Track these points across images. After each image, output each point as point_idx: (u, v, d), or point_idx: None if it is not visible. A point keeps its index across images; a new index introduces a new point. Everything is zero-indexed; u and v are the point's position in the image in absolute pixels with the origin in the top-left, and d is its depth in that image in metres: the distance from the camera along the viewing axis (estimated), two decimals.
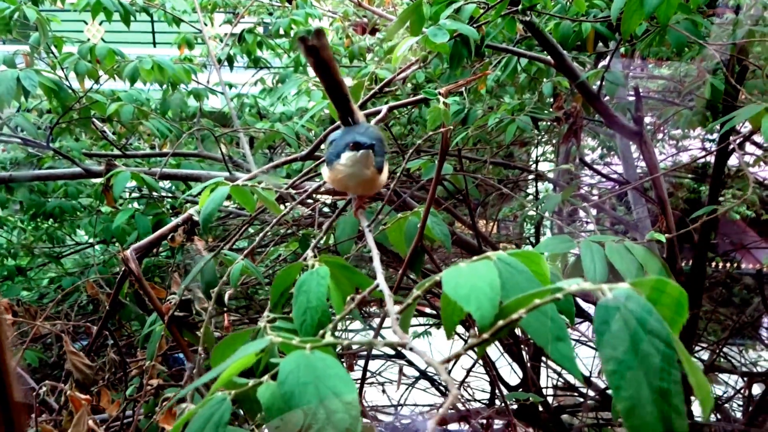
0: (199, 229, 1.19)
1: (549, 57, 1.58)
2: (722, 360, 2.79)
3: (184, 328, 0.98)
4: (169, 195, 2.45)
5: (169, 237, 1.06)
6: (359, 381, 1.12)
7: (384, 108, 1.11)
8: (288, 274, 0.69)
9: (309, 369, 0.41)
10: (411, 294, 0.50)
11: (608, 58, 1.73)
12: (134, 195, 2.56)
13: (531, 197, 3.64)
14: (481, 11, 1.29)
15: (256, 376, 0.49)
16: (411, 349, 0.43)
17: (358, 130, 0.91)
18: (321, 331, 0.49)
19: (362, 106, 1.30)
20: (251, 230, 2.17)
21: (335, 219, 0.99)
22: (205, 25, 2.74)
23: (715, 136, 3.16)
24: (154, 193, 1.86)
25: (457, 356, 0.44)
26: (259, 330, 0.64)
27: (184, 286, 0.98)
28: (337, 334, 0.85)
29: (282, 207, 1.18)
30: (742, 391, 2.46)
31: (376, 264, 0.61)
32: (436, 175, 0.75)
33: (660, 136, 3.24)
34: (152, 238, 0.99)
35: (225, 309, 1.17)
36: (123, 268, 0.98)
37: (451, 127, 0.78)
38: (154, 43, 6.47)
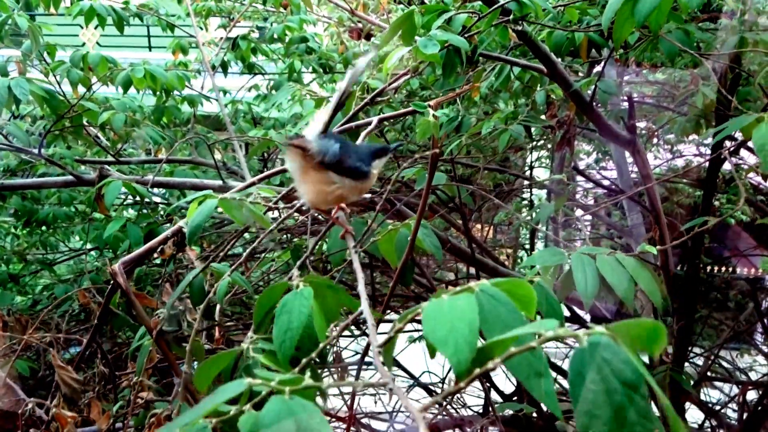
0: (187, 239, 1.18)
1: (541, 65, 1.58)
2: (717, 365, 2.78)
3: (173, 342, 0.97)
4: (163, 202, 2.44)
5: (159, 249, 1.06)
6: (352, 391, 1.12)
7: (374, 119, 1.11)
8: (272, 294, 0.68)
9: (290, 419, 0.40)
10: (394, 326, 0.49)
11: (601, 66, 1.73)
12: (128, 202, 2.56)
13: (526, 202, 3.64)
14: (473, 21, 1.29)
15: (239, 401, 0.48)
16: (391, 390, 0.43)
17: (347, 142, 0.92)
18: (302, 362, 0.49)
19: (353, 117, 1.30)
20: (247, 236, 2.17)
21: (322, 236, 0.99)
22: (201, 29, 2.73)
23: (709, 140, 3.16)
24: (147, 201, 1.85)
25: (434, 403, 0.44)
26: (242, 352, 0.64)
27: (172, 300, 0.97)
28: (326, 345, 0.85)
29: (276, 213, 1.18)
30: (736, 398, 2.46)
31: (361, 288, 0.60)
32: (425, 193, 0.75)
33: (655, 141, 3.24)
34: (141, 251, 0.98)
35: (216, 323, 1.16)
36: (112, 282, 0.97)
37: (437, 151, 0.78)
38: (150, 47, 6.47)
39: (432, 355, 0.53)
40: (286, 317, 0.59)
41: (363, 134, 1.04)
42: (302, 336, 0.58)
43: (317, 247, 1.86)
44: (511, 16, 1.27)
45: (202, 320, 0.91)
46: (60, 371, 1.11)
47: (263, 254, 1.79)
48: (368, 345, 1.18)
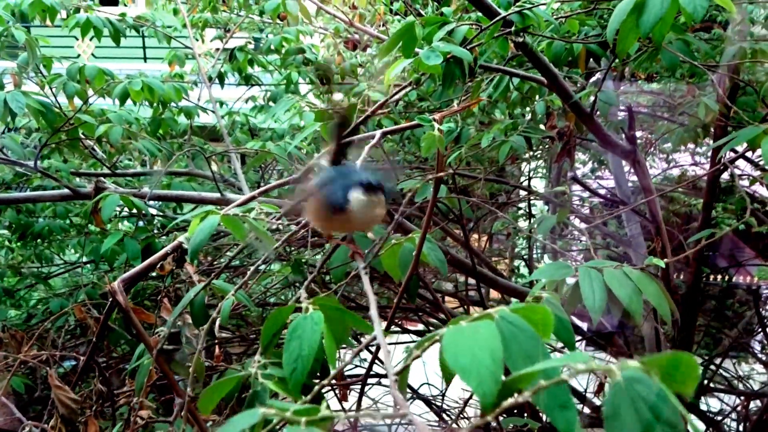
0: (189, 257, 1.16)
1: (541, 76, 1.57)
2: (716, 374, 2.78)
3: (173, 360, 0.95)
4: (159, 214, 2.42)
5: (159, 265, 1.04)
6: (355, 409, 1.10)
7: (378, 133, 1.09)
8: (279, 317, 0.67)
9: None
10: (410, 354, 0.48)
11: (601, 77, 1.73)
12: (123, 214, 2.53)
13: (521, 212, 3.64)
14: (475, 33, 1.28)
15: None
16: (410, 422, 0.41)
17: (352, 168, 0.88)
18: (315, 389, 0.47)
19: (355, 129, 1.28)
20: (244, 251, 2.15)
21: (328, 258, 0.97)
22: (196, 40, 2.72)
23: (705, 149, 3.17)
24: (144, 214, 1.83)
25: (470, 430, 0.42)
26: (248, 377, 0.62)
27: (173, 319, 0.95)
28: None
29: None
30: (740, 408, 2.45)
31: (373, 313, 0.59)
32: (429, 210, 0.73)
33: (650, 149, 3.25)
34: (141, 268, 0.97)
35: (216, 341, 1.14)
36: (111, 299, 0.96)
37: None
38: (145, 58, 6.46)
39: (448, 382, 0.52)
40: (296, 343, 0.57)
41: (366, 148, 1.02)
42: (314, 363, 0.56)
43: (313, 258, 1.84)
44: (513, 28, 1.26)
45: (205, 339, 0.89)
46: (57, 391, 1.09)
47: (263, 266, 1.77)
48: (372, 363, 1.16)
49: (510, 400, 0.38)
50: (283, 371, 0.58)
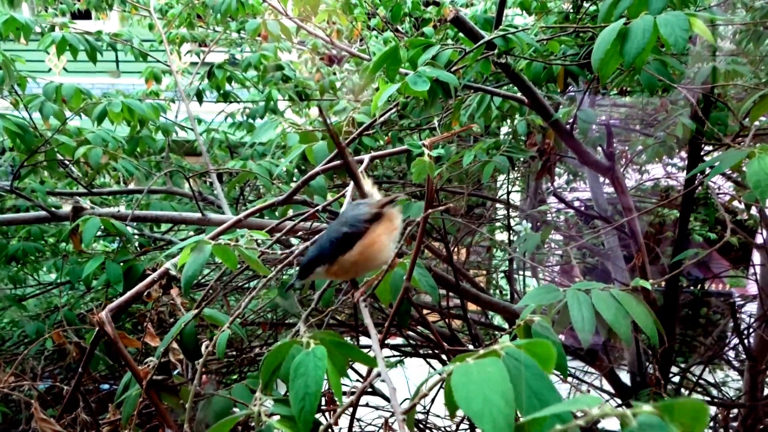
0: (177, 283, 1.15)
1: (521, 95, 1.59)
2: (691, 381, 2.81)
3: (162, 391, 0.94)
4: (136, 233, 2.38)
5: (145, 293, 1.02)
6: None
7: (366, 157, 1.10)
8: (279, 353, 0.66)
9: None
10: (417, 392, 0.48)
11: (578, 94, 1.76)
12: (99, 234, 2.48)
13: (499, 224, 3.66)
14: (458, 56, 1.29)
15: None
16: None
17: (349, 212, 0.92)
18: (321, 429, 0.47)
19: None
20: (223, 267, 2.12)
21: (323, 293, 0.97)
22: (171, 53, 2.71)
23: (677, 160, 3.24)
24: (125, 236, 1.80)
25: None
26: (251, 415, 0.61)
27: (163, 347, 0.94)
28: None
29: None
30: (718, 418, 2.48)
31: (375, 347, 0.58)
32: (419, 239, 0.74)
33: (626, 164, 3.31)
34: (129, 297, 0.95)
35: (206, 370, 1.13)
36: (98, 329, 0.94)
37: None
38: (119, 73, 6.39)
39: (452, 416, 0.52)
40: (301, 380, 0.57)
41: (358, 170, 1.03)
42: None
43: (304, 287, 1.83)
44: (496, 50, 1.28)
45: (194, 370, 0.88)
46: (42, 424, 1.06)
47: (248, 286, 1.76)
48: (363, 389, 1.15)
49: None
50: (287, 410, 0.58)
